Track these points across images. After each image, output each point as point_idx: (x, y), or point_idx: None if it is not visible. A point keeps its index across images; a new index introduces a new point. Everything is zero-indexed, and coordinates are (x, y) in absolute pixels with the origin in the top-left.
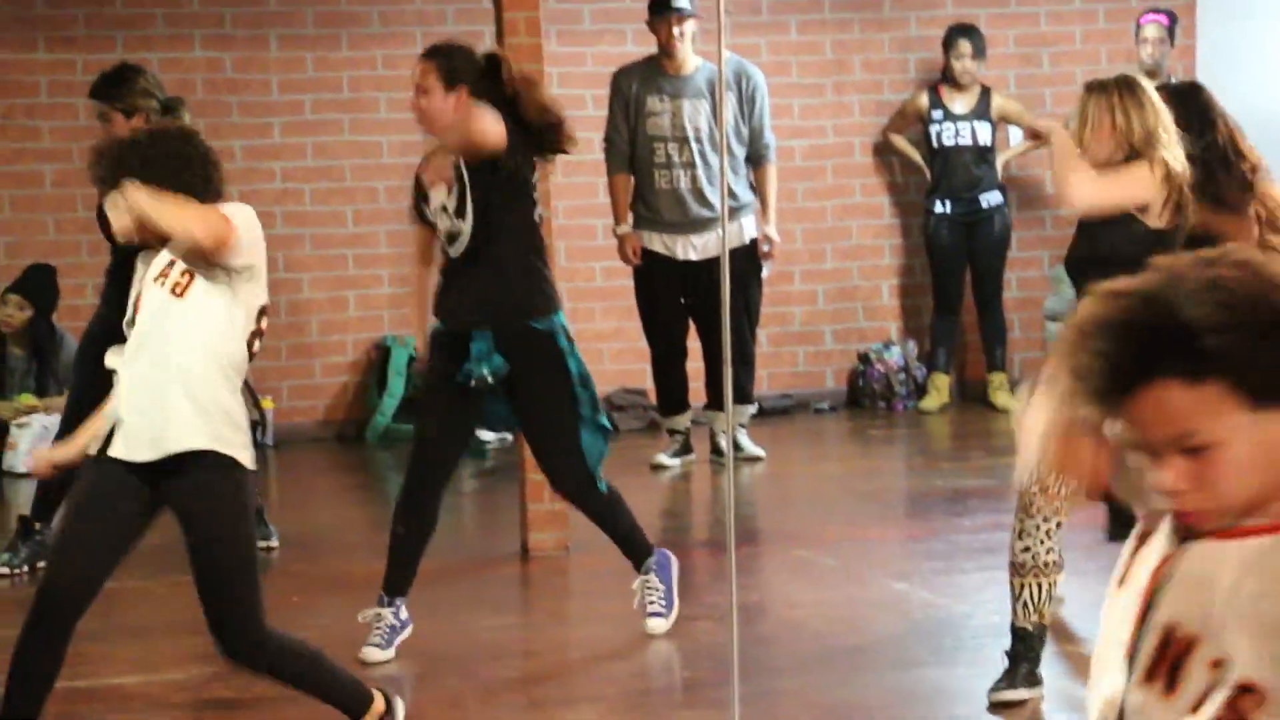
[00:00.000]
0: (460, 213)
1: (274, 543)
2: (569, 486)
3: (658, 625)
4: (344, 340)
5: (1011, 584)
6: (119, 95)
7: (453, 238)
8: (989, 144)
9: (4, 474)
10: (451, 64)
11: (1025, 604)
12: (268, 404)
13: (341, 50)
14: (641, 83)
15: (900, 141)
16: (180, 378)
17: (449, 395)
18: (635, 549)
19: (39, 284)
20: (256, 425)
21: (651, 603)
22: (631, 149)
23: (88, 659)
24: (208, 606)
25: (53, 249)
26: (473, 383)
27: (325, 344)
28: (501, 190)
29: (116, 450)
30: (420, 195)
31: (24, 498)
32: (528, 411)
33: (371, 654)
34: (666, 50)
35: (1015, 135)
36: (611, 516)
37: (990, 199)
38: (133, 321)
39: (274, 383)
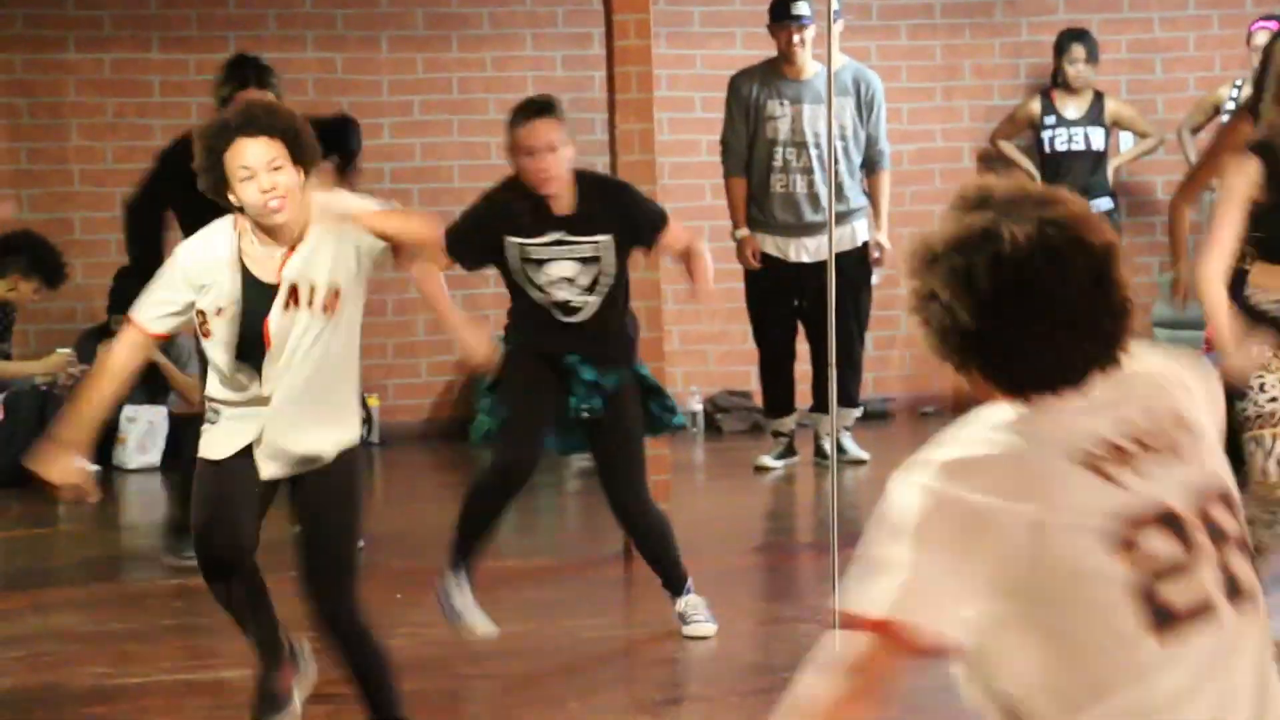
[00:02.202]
0: (592, 289)
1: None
2: (640, 514)
3: (708, 629)
4: (450, 339)
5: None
6: (272, 85)
7: (570, 309)
8: (1102, 149)
9: (114, 469)
10: (563, 119)
11: None
12: (373, 402)
13: (452, 51)
14: (761, 86)
15: (1009, 148)
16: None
17: (544, 414)
18: (679, 573)
19: (33, 256)
20: (363, 423)
21: (697, 616)
22: (749, 152)
23: (190, 652)
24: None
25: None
26: (585, 413)
27: (431, 343)
28: (625, 264)
29: (266, 473)
30: (480, 241)
31: (134, 492)
32: (613, 438)
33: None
34: (786, 56)
35: (1127, 140)
36: (667, 536)
37: (1100, 204)
38: (256, 348)
39: (379, 381)
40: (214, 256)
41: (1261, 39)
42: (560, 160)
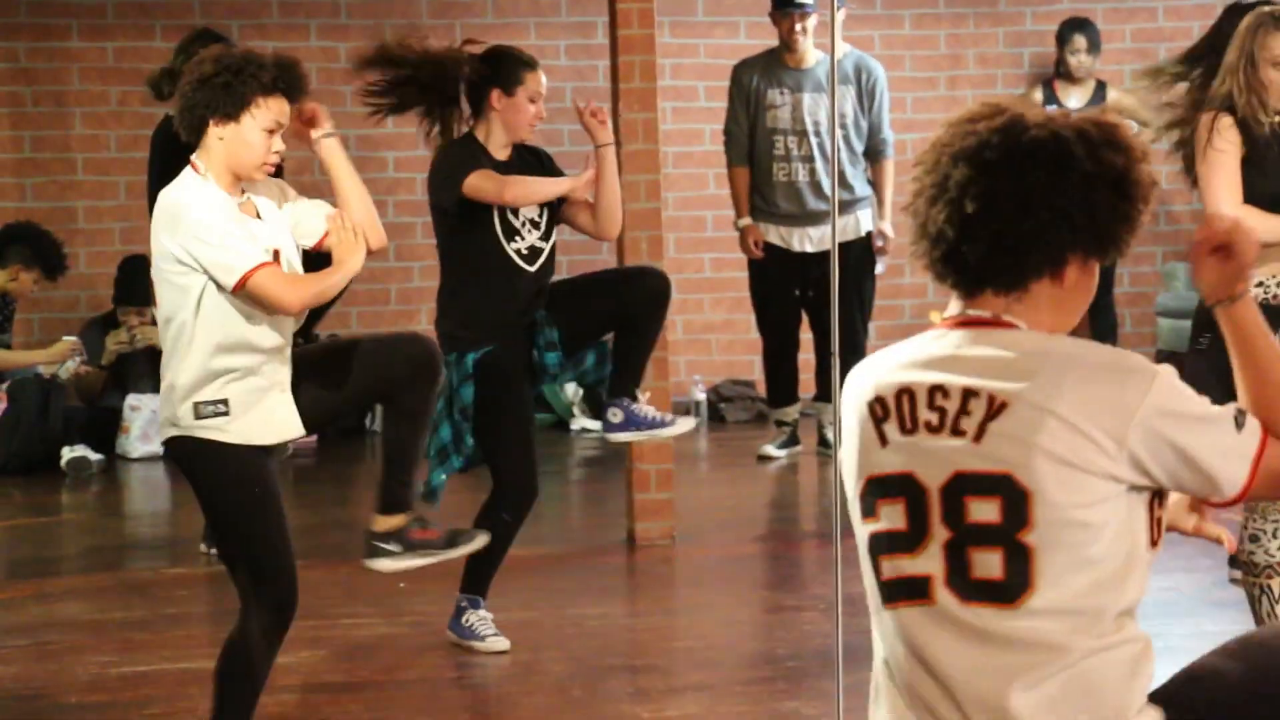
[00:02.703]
0: (547, 235)
1: None
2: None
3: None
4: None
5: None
6: None
7: (534, 255)
8: None
9: (117, 458)
10: None
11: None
12: None
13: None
14: (762, 75)
15: None
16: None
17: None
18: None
19: (34, 247)
20: (366, 412)
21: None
22: (750, 142)
23: (191, 642)
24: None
25: None
26: (552, 373)
27: (433, 332)
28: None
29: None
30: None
31: (138, 480)
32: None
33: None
34: (788, 44)
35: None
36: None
37: None
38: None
39: None
40: (224, 202)
41: None
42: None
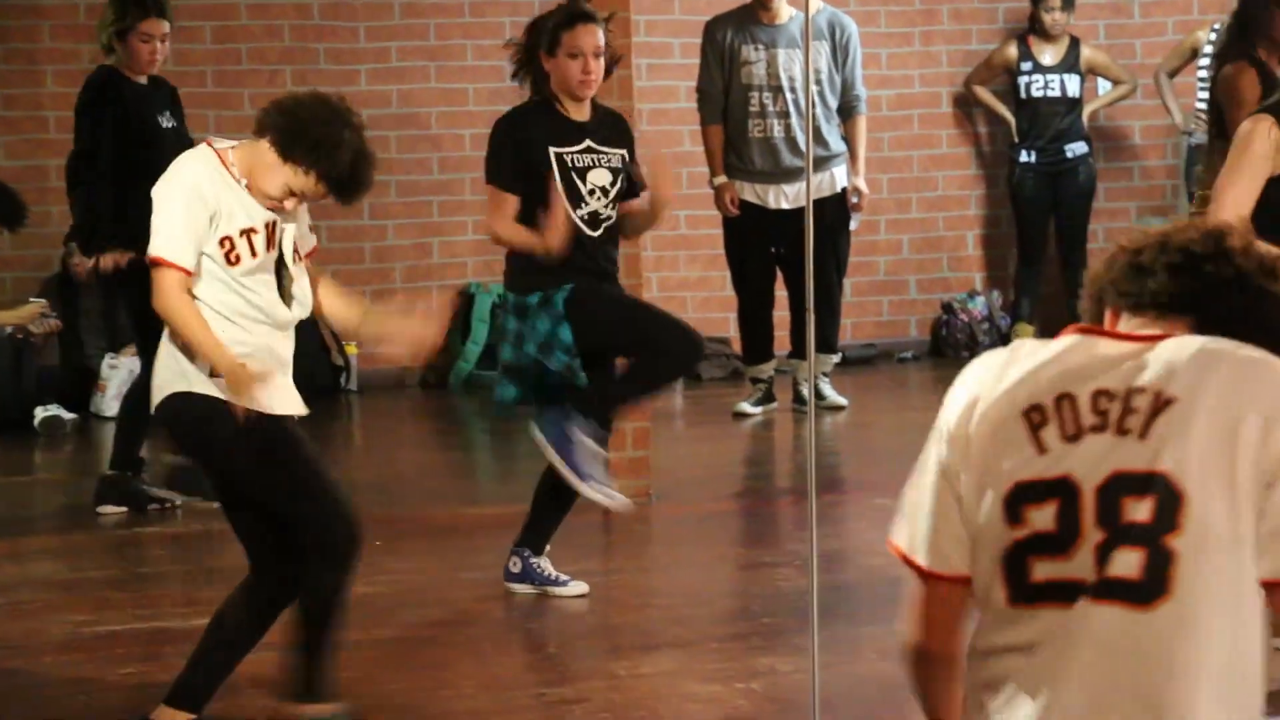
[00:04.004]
0: (614, 204)
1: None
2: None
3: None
4: (428, 287)
5: None
6: (172, 19)
7: (598, 222)
8: (1078, 95)
9: (93, 416)
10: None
11: None
12: (351, 350)
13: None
14: (736, 32)
15: (984, 93)
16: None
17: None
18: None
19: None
20: (341, 371)
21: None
22: (725, 99)
23: (166, 600)
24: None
25: None
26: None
27: (409, 291)
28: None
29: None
30: (531, 159)
31: (112, 440)
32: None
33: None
34: (762, 2)
35: (1103, 86)
36: None
37: (1076, 149)
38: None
39: None
40: (219, 179)
41: None
42: (600, 68)
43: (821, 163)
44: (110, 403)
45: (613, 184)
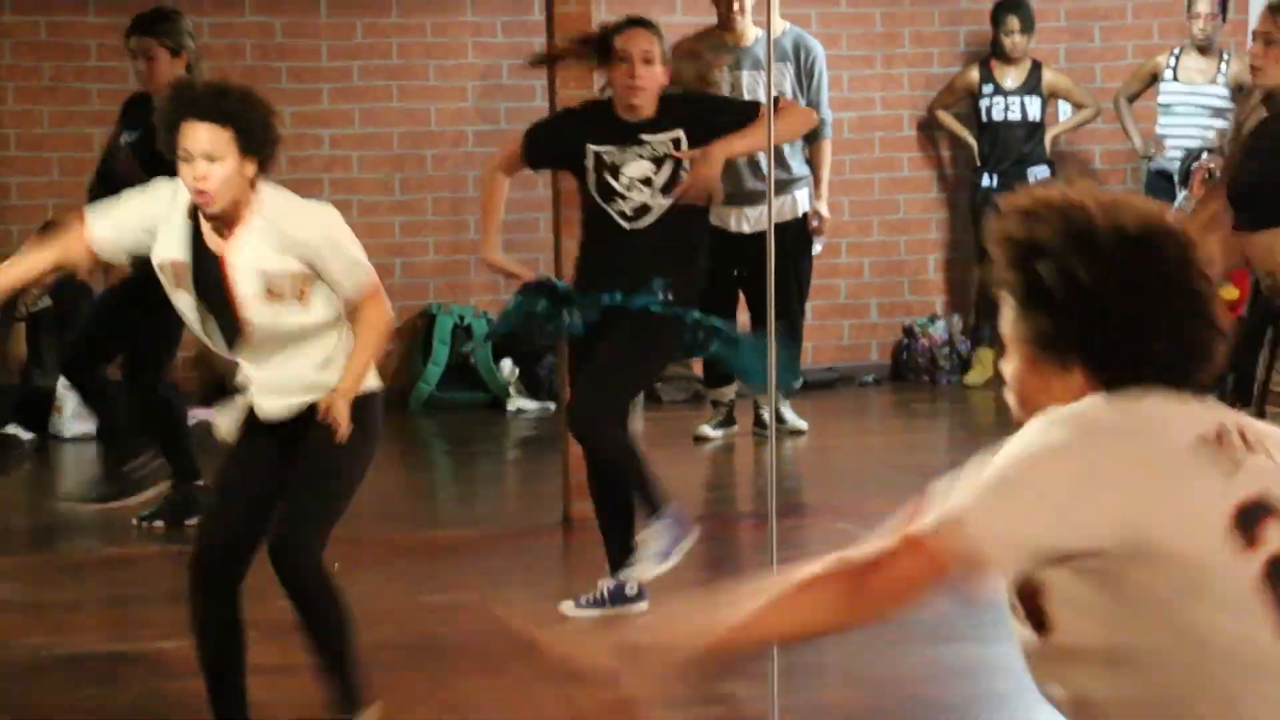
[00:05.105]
0: (667, 189)
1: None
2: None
3: (641, 571)
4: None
5: None
6: (168, 32)
7: (642, 211)
8: (1039, 119)
9: (50, 437)
10: (662, 38)
11: None
12: None
13: (391, 16)
14: None
15: (947, 118)
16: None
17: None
18: (653, 494)
19: None
20: None
21: (644, 551)
22: None
23: (126, 623)
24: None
25: None
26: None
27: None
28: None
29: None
30: (560, 146)
31: (71, 460)
32: (617, 342)
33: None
34: (725, 22)
35: (1065, 110)
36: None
37: (1038, 173)
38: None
39: None
40: (174, 205)
41: (1204, 6)
42: (652, 75)
43: (784, 186)
44: (69, 423)
45: (656, 171)
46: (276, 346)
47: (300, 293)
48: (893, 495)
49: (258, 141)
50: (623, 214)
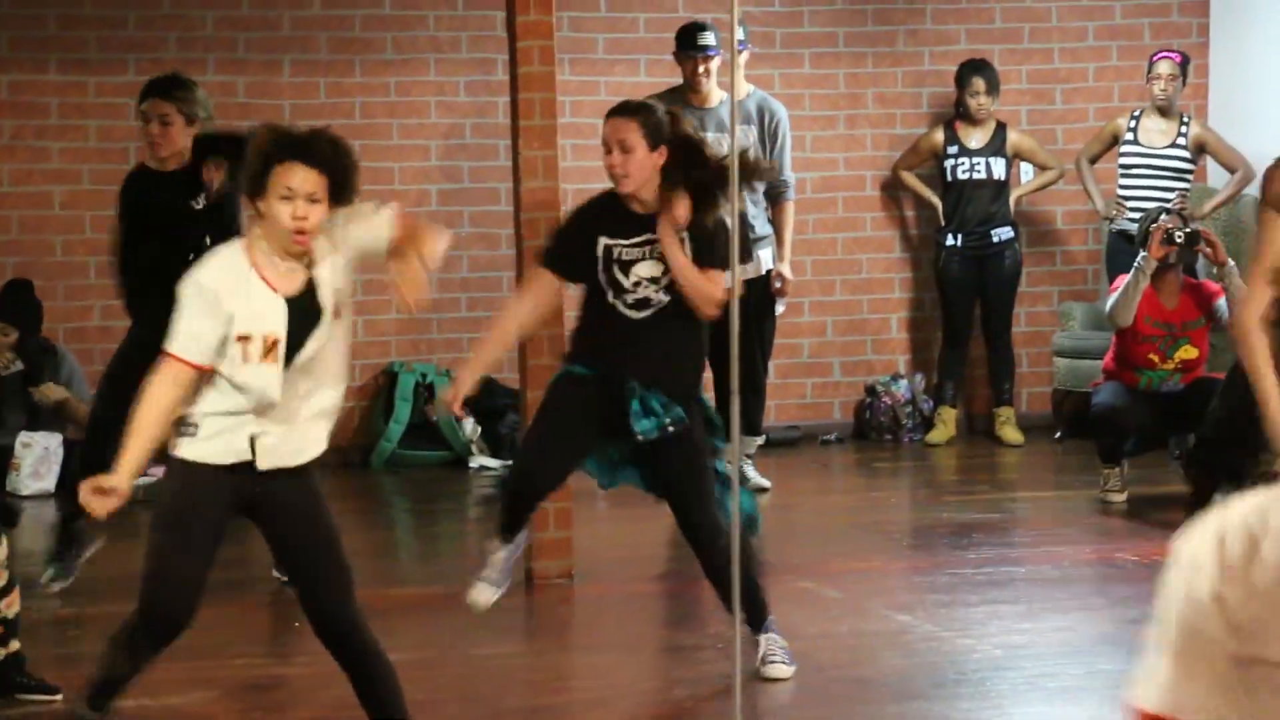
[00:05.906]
0: (671, 287)
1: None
2: (713, 536)
3: (782, 671)
4: (351, 365)
5: None
6: (185, 99)
7: (644, 304)
8: (1004, 179)
9: (7, 495)
10: (654, 121)
11: None
12: None
13: (355, 76)
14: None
15: (910, 178)
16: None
17: (577, 430)
18: (755, 607)
19: (13, 303)
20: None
21: (773, 657)
22: None
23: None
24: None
25: (60, 270)
26: (656, 435)
27: None
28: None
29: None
30: (577, 245)
31: (28, 518)
32: (679, 461)
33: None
34: (692, 85)
35: (1028, 171)
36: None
37: (1002, 234)
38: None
39: None
40: (238, 280)
41: (1164, 68)
42: (632, 161)
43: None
44: (26, 481)
45: (665, 272)
46: (312, 380)
47: (338, 311)
48: (854, 553)
49: (348, 193)
50: (627, 304)
